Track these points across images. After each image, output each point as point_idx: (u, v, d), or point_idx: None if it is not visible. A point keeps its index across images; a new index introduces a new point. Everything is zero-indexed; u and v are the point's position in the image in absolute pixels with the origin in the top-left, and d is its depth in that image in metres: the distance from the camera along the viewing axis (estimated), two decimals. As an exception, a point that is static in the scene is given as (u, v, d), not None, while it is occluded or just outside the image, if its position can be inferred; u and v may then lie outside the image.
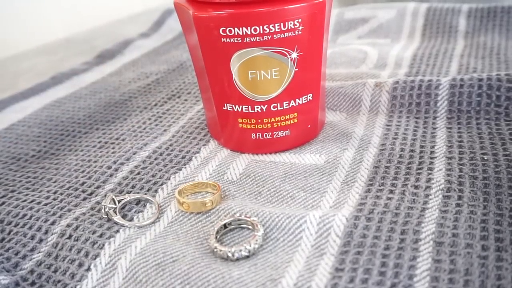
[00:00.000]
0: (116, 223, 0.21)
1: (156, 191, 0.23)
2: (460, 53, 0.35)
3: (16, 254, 0.20)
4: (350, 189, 0.22)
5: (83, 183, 0.25)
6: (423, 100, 0.27)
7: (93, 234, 0.20)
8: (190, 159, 0.26)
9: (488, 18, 0.39)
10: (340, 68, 0.35)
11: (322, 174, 0.23)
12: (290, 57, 0.23)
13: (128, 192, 0.23)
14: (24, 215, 0.22)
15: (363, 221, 0.19)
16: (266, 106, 0.24)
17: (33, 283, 0.19)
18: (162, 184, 0.24)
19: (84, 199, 0.23)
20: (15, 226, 0.22)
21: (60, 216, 0.22)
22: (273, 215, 0.20)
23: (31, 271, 0.19)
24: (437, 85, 0.27)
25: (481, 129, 0.25)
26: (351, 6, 0.46)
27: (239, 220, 0.20)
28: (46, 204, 0.23)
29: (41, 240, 0.21)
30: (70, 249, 0.20)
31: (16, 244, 0.21)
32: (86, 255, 0.19)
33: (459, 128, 0.25)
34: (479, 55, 0.35)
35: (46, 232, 0.21)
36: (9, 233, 0.21)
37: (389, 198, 0.21)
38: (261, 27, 0.21)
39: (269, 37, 0.22)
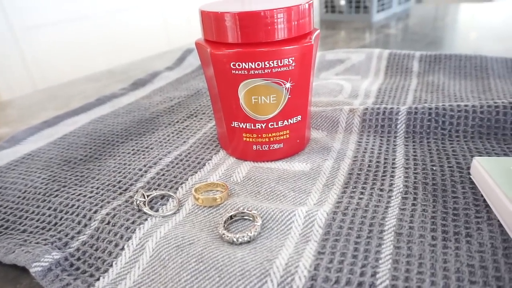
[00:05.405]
0: (145, 213, 0.21)
1: (177, 189, 0.23)
2: (414, 88, 0.36)
3: (66, 235, 0.20)
4: (330, 190, 0.22)
5: (119, 181, 0.24)
6: (386, 123, 0.27)
7: (126, 221, 0.20)
8: (204, 165, 0.26)
9: (435, 63, 0.40)
10: (322, 97, 0.35)
11: (308, 179, 0.23)
12: (285, 87, 0.23)
13: (155, 189, 0.23)
14: (73, 205, 0.22)
15: (340, 216, 0.19)
16: (265, 124, 0.24)
17: (78, 259, 0.18)
18: (181, 184, 0.24)
19: (120, 194, 0.23)
20: (65, 213, 0.22)
21: (101, 207, 0.22)
22: (269, 209, 0.20)
23: (78, 249, 0.19)
24: (397, 112, 0.27)
25: (430, 146, 0.25)
26: (331, 50, 0.47)
27: (242, 213, 0.20)
28: (90, 197, 0.23)
29: (85, 225, 0.21)
30: (109, 233, 0.20)
31: (66, 227, 0.20)
32: (121, 237, 0.19)
33: (413, 145, 0.26)
34: (428, 90, 0.35)
35: (90, 218, 0.21)
36: (60, 219, 0.21)
37: (360, 198, 0.21)
38: (262, 62, 0.21)
39: (269, 71, 0.22)
